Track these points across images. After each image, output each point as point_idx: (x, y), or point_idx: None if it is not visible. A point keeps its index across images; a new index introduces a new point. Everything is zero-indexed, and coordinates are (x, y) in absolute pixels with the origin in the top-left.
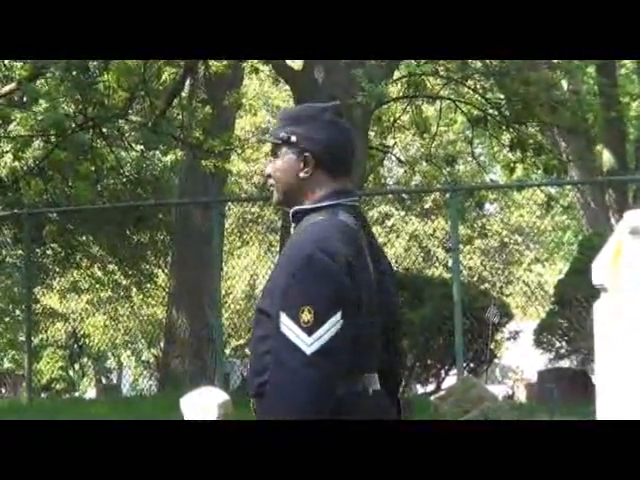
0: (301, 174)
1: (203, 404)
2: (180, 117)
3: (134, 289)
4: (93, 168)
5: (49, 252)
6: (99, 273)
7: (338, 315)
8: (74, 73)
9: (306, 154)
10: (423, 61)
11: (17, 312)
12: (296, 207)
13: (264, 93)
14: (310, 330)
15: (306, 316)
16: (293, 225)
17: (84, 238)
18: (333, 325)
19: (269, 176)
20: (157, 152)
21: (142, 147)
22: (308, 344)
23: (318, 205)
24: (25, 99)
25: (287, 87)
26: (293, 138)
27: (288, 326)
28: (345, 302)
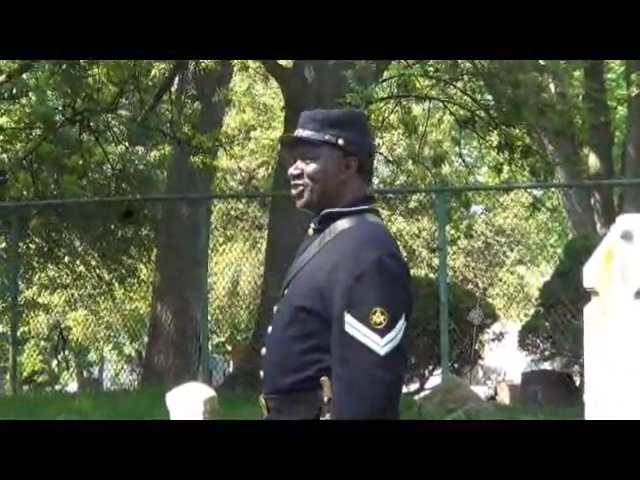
0: (342, 177)
1: (189, 400)
2: (169, 112)
3: (117, 284)
4: (80, 162)
5: (32, 246)
6: (82, 268)
7: (403, 318)
8: (64, 67)
9: (351, 158)
10: (412, 62)
11: None
12: (329, 209)
13: (251, 90)
14: (382, 332)
15: (378, 317)
16: (317, 226)
17: (68, 232)
18: (401, 328)
19: (298, 176)
20: (144, 147)
21: (129, 142)
22: (381, 345)
23: (353, 209)
24: (14, 92)
25: (275, 85)
26: (340, 141)
27: (356, 327)
28: (409, 307)
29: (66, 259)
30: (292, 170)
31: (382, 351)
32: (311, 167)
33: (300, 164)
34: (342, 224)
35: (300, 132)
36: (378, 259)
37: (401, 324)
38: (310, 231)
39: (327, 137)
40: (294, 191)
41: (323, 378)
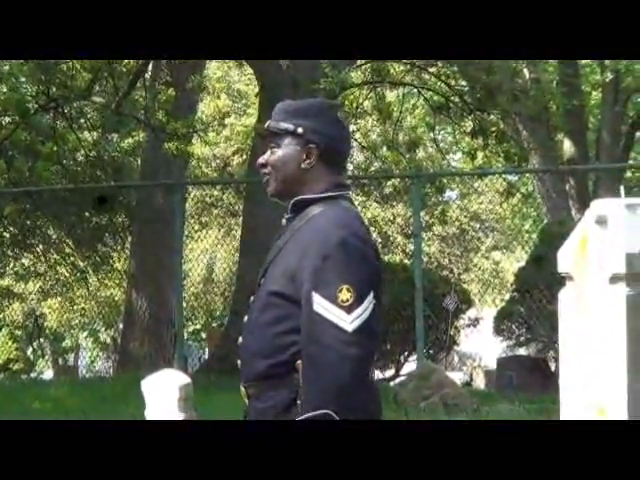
0: (303, 165)
1: (164, 386)
2: (143, 99)
3: (91, 271)
4: (55, 149)
5: (7, 234)
6: (56, 256)
7: (371, 295)
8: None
9: (311, 146)
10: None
11: None
12: (299, 197)
13: (225, 77)
14: (349, 308)
15: (344, 295)
16: (290, 215)
17: (43, 220)
18: (369, 305)
19: (264, 165)
20: (118, 134)
21: (104, 128)
22: (348, 322)
23: (322, 195)
24: None
25: (250, 71)
26: (299, 130)
27: (324, 305)
28: (376, 284)
29: (40, 247)
30: (259, 159)
31: (350, 327)
32: (273, 156)
33: (267, 153)
34: (312, 210)
35: (268, 122)
36: (343, 239)
37: (369, 301)
38: (283, 221)
39: (286, 125)
40: (263, 180)
41: (299, 362)
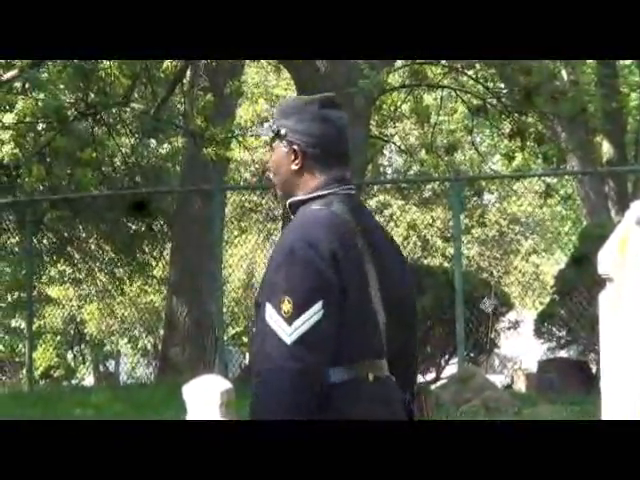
0: (292, 166)
1: (206, 392)
2: (181, 105)
3: (131, 277)
4: (94, 155)
5: (45, 241)
6: (96, 263)
7: (318, 305)
8: (76, 60)
9: (294, 147)
10: None
11: (9, 298)
12: (291, 199)
13: (263, 82)
14: (289, 320)
15: (286, 306)
16: (293, 217)
17: (81, 228)
18: (312, 315)
19: (268, 169)
20: (156, 140)
21: (142, 135)
22: (288, 334)
23: (311, 195)
24: (27, 86)
25: (288, 75)
26: (282, 131)
27: (271, 315)
28: (328, 292)
29: (79, 254)
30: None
31: (289, 340)
32: (270, 159)
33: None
34: (301, 211)
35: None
36: (291, 246)
37: (313, 311)
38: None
39: (273, 128)
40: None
41: None
